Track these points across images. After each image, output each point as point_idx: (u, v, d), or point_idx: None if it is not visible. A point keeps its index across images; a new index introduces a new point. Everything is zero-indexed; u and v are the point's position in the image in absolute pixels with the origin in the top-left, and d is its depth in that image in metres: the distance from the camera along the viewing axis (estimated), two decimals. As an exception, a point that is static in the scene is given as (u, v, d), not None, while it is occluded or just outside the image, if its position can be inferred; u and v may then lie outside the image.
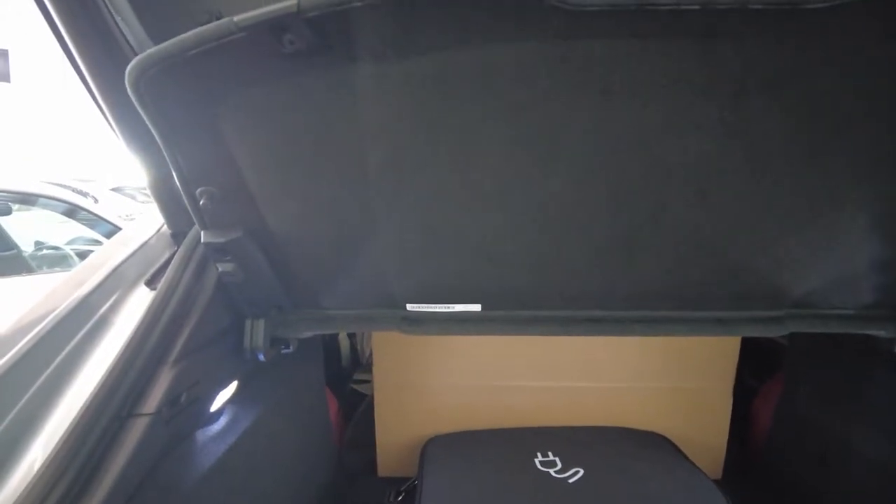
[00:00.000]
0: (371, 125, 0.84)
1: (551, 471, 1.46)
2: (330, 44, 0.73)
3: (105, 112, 1.01)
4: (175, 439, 0.96)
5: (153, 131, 0.82)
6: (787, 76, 0.77)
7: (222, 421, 1.12)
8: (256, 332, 1.13)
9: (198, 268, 1.05)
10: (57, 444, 0.77)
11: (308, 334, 1.19)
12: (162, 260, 1.12)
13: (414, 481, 1.59)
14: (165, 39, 0.74)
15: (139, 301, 1.04)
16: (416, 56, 0.75)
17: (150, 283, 1.08)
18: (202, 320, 1.02)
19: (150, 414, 0.87)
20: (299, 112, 0.82)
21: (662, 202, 0.93)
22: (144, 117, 0.80)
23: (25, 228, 3.72)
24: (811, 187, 0.91)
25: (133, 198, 6.05)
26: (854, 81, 0.77)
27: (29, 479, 0.75)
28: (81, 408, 0.81)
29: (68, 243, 3.81)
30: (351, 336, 2.35)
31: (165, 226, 1.19)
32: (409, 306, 1.12)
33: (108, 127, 1.04)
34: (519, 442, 1.60)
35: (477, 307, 1.12)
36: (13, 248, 3.29)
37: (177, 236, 1.14)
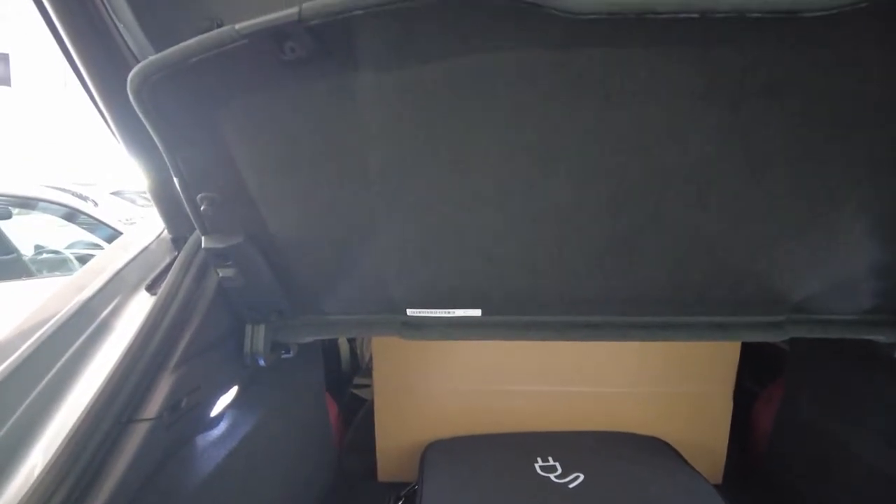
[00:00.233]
0: (371, 131, 0.84)
1: (551, 476, 1.45)
2: (331, 51, 0.73)
3: (106, 117, 1.01)
4: (175, 444, 0.96)
5: (154, 137, 0.82)
6: (786, 81, 0.77)
7: (223, 426, 1.12)
8: (257, 337, 1.13)
9: (198, 273, 1.05)
10: (58, 448, 0.77)
11: (308, 339, 1.19)
12: (162, 265, 1.12)
13: (414, 486, 1.59)
14: (167, 45, 0.74)
15: (140, 306, 1.04)
16: (416, 63, 0.75)
17: (151, 289, 1.09)
18: (203, 325, 1.02)
19: (150, 419, 0.87)
20: (300, 118, 0.83)
21: (662, 207, 0.94)
22: (146, 123, 0.80)
23: (25, 232, 3.72)
24: (810, 192, 0.91)
25: (133, 202, 6.06)
26: (852, 86, 0.77)
27: (29, 484, 0.74)
28: (82, 413, 0.81)
29: (68, 247, 3.81)
30: (350, 341, 2.35)
31: (166, 231, 1.19)
32: (409, 311, 1.12)
33: (109, 132, 1.05)
34: (519, 447, 1.59)
35: (477, 312, 1.12)
36: (13, 252, 3.28)
37: (177, 241, 1.14)
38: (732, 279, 1.06)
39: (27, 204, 3.60)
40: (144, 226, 1.28)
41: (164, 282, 1.03)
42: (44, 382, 0.89)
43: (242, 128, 0.84)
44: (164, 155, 0.86)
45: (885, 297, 1.08)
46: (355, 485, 1.80)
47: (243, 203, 0.93)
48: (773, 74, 0.76)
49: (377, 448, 1.80)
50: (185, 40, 0.73)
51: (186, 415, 0.97)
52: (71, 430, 0.79)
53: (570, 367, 1.71)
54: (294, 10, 0.68)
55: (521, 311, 1.14)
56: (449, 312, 1.12)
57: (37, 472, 0.76)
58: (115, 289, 1.07)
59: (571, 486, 1.42)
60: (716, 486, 1.44)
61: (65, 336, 0.96)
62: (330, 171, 0.90)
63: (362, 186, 0.91)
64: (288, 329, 1.17)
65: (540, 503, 1.37)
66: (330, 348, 2.14)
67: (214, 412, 1.09)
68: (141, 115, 0.78)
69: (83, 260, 3.34)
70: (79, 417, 0.81)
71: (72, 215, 3.64)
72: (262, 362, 1.14)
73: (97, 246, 3.66)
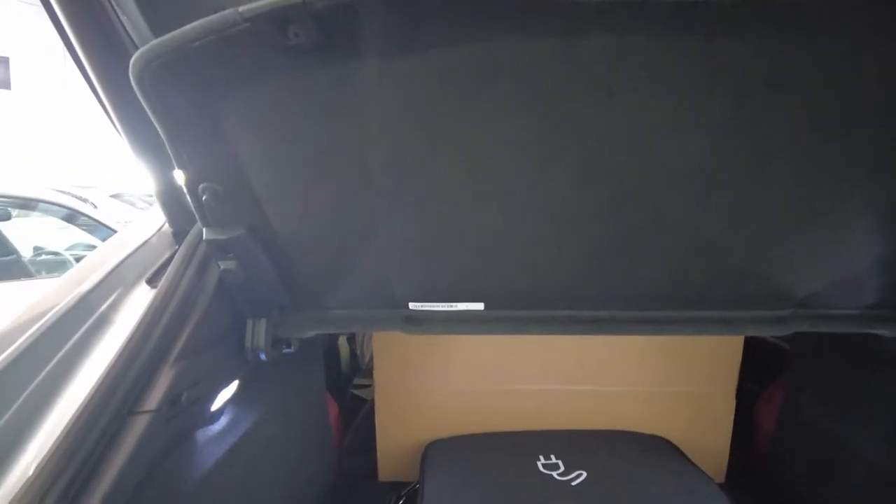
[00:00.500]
0: (373, 124, 0.83)
1: (554, 473, 1.44)
2: (334, 38, 0.73)
3: (108, 109, 1.00)
4: (176, 438, 0.95)
5: (156, 125, 0.82)
6: (789, 74, 0.76)
7: (223, 421, 1.11)
8: (258, 332, 1.12)
9: (199, 267, 1.05)
10: (57, 439, 0.76)
11: (310, 334, 1.18)
12: (163, 259, 1.11)
13: (415, 485, 1.58)
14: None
15: (140, 299, 1.03)
16: (420, 52, 0.75)
17: (151, 282, 1.08)
18: (203, 319, 1.01)
19: (150, 411, 0.86)
20: (302, 108, 0.82)
21: (663, 204, 0.93)
22: (148, 110, 0.79)
23: (25, 234, 3.71)
24: (814, 186, 0.90)
25: (133, 204, 6.05)
26: (857, 79, 0.77)
27: (29, 474, 0.73)
28: (82, 404, 0.81)
29: (68, 249, 3.80)
30: (351, 341, 2.34)
31: (167, 224, 1.18)
32: (411, 305, 1.12)
33: (111, 124, 1.04)
34: (521, 445, 1.58)
35: (479, 306, 1.11)
36: (13, 254, 3.28)
37: (178, 235, 1.13)
38: (735, 275, 1.06)
39: (27, 205, 3.60)
40: (145, 220, 1.27)
41: (165, 275, 1.02)
42: (43, 374, 0.88)
43: (245, 117, 0.83)
44: (166, 144, 0.85)
45: (889, 291, 1.07)
46: (356, 484, 1.78)
47: (245, 194, 0.92)
48: (775, 66, 0.76)
49: (378, 447, 1.79)
50: None
51: (187, 409, 0.96)
52: (71, 420, 0.78)
53: (571, 366, 1.71)
54: None
55: (523, 305, 1.13)
56: (451, 306, 1.11)
57: (35, 463, 0.75)
58: (115, 282, 1.06)
59: (574, 483, 1.41)
60: (718, 485, 1.44)
61: (64, 328, 0.95)
62: (332, 162, 0.89)
63: (364, 178, 0.91)
64: (289, 324, 1.16)
65: (543, 501, 1.36)
66: (330, 349, 2.13)
67: (215, 407, 1.08)
68: (143, 102, 0.78)
69: (82, 262, 3.32)
70: (79, 408, 0.80)
71: (72, 217, 3.64)
72: (263, 357, 1.13)
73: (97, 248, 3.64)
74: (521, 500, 1.37)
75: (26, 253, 3.51)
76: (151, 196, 1.16)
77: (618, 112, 0.81)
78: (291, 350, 1.19)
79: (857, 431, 1.37)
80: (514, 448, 1.58)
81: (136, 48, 0.91)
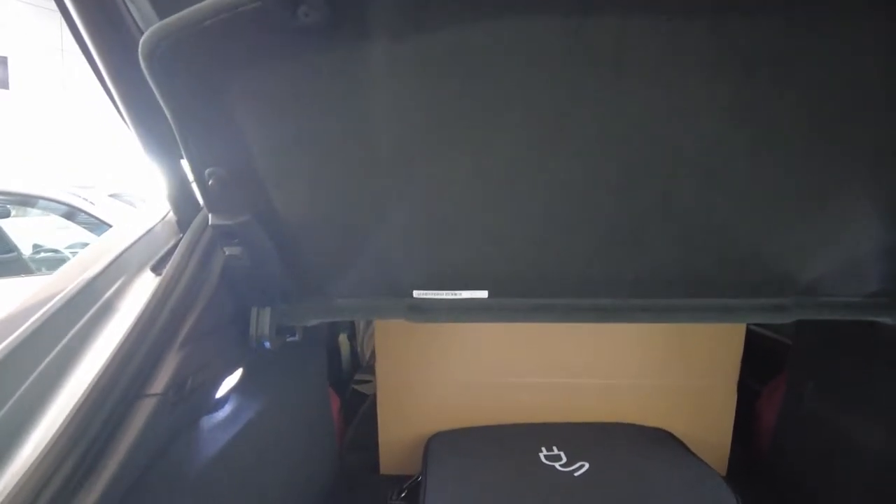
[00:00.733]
0: (383, 105, 0.83)
1: (556, 464, 1.45)
2: (344, 18, 0.73)
3: (115, 98, 1.00)
4: (181, 423, 0.95)
5: (164, 107, 0.82)
6: (796, 58, 0.76)
7: (227, 409, 1.11)
8: (262, 320, 1.12)
9: (204, 254, 1.05)
10: (65, 421, 0.76)
11: (314, 322, 1.18)
12: (167, 247, 1.11)
13: (417, 478, 1.58)
14: None
15: (144, 287, 1.04)
16: (429, 32, 0.75)
17: (156, 270, 1.08)
18: (208, 307, 1.02)
19: (157, 395, 0.87)
20: (311, 91, 0.82)
21: (671, 186, 0.93)
22: (155, 91, 0.79)
23: (24, 231, 3.71)
24: (819, 172, 0.90)
25: (131, 204, 6.04)
26: (864, 65, 0.76)
27: (35, 457, 0.73)
28: (89, 387, 0.81)
29: (68, 247, 3.80)
30: (351, 338, 2.34)
31: (171, 213, 1.18)
32: (415, 293, 1.12)
33: (118, 113, 1.04)
34: (523, 437, 1.59)
35: (483, 294, 1.11)
36: (13, 251, 3.27)
37: (182, 223, 1.13)
38: (740, 261, 1.06)
39: (26, 202, 3.59)
40: (148, 210, 1.27)
41: (170, 262, 1.03)
42: (48, 359, 0.88)
43: (253, 99, 0.84)
44: (173, 127, 0.85)
45: (891, 279, 1.07)
46: (358, 478, 1.78)
47: (252, 179, 0.93)
48: (782, 51, 0.76)
49: (379, 441, 1.79)
50: None
51: (192, 394, 0.96)
52: (78, 403, 0.78)
53: (573, 359, 1.71)
54: None
55: (527, 293, 1.13)
56: (455, 294, 1.12)
57: (41, 446, 0.75)
58: (120, 269, 1.06)
59: (577, 474, 1.41)
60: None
61: (69, 314, 0.95)
62: (339, 147, 0.89)
63: (371, 164, 0.91)
64: (293, 312, 1.16)
65: (545, 491, 1.36)
66: (330, 344, 2.14)
67: (219, 395, 1.09)
68: (151, 83, 0.78)
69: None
70: (86, 391, 0.80)
71: (71, 214, 3.63)
72: (267, 345, 1.13)
73: (97, 246, 3.63)
74: (524, 492, 1.37)
75: (26, 250, 3.51)
76: (150, 196, 1.17)
77: (625, 95, 0.81)
78: (296, 338, 1.20)
79: (859, 423, 1.37)
80: (515, 440, 1.58)
81: (141, 32, 0.91)
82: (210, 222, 0.98)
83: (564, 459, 1.46)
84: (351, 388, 2.23)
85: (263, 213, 0.98)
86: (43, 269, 3.33)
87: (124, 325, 0.91)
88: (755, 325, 1.90)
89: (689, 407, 1.71)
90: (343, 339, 2.29)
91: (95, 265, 1.06)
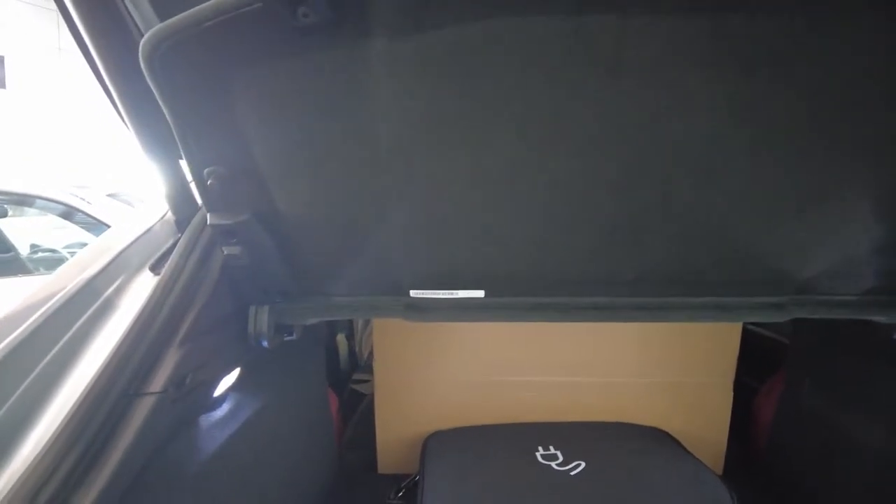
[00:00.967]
0: (382, 106, 0.84)
1: (553, 464, 1.45)
2: (344, 18, 0.73)
3: (114, 98, 1.01)
4: (180, 421, 0.96)
5: (163, 107, 0.82)
6: (797, 55, 0.77)
7: (225, 407, 1.11)
8: (261, 319, 1.13)
9: (202, 253, 1.05)
10: (65, 419, 0.77)
11: (313, 321, 1.18)
12: (166, 246, 1.12)
13: (415, 477, 1.58)
14: None
15: (144, 286, 1.04)
16: (429, 32, 0.75)
17: (155, 269, 1.08)
18: (207, 305, 1.02)
19: (157, 392, 0.87)
20: (311, 91, 0.83)
21: (669, 185, 0.94)
22: (155, 92, 0.80)
23: (21, 231, 3.70)
24: (818, 171, 0.91)
25: (129, 204, 6.02)
26: (862, 63, 0.77)
27: (36, 454, 0.74)
28: (88, 384, 0.81)
29: (66, 247, 3.79)
30: (349, 337, 2.35)
31: (169, 213, 1.19)
32: (412, 293, 1.12)
33: (116, 113, 1.05)
34: (520, 436, 1.59)
35: (480, 293, 1.12)
36: (10, 251, 3.27)
37: (181, 223, 1.14)
38: (737, 260, 1.07)
39: (23, 201, 3.59)
40: (146, 210, 1.28)
41: (168, 262, 1.03)
42: (49, 357, 0.89)
43: (253, 99, 0.84)
44: (172, 127, 0.86)
45: (886, 277, 1.08)
46: (356, 477, 1.79)
47: (251, 178, 0.93)
48: (783, 47, 0.76)
49: (377, 440, 1.80)
50: None
51: (191, 392, 0.96)
52: (78, 400, 0.79)
53: (569, 358, 1.72)
54: None
55: (525, 292, 1.14)
56: (452, 294, 1.12)
57: (42, 444, 0.76)
58: (119, 268, 1.07)
59: (573, 473, 1.41)
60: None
61: (69, 312, 0.96)
62: (338, 146, 0.90)
63: (370, 163, 0.91)
64: (292, 311, 1.17)
65: (541, 490, 1.37)
66: (329, 344, 2.14)
67: (218, 394, 1.09)
68: (151, 84, 0.78)
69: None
70: (85, 388, 0.81)
71: (69, 214, 3.63)
72: (265, 344, 1.13)
73: (95, 245, 3.62)
74: (520, 490, 1.37)
75: (23, 250, 3.51)
76: (148, 195, 1.17)
77: (624, 94, 0.81)
78: (293, 337, 1.20)
79: (857, 422, 1.38)
80: (512, 439, 1.58)
81: (140, 33, 0.92)
82: (209, 221, 0.98)
83: (561, 458, 1.47)
84: (349, 388, 2.23)
85: (262, 212, 0.98)
86: (40, 269, 3.33)
87: (123, 323, 0.92)
88: (753, 324, 1.91)
89: (685, 405, 1.72)
90: (341, 338, 2.30)
91: (94, 265, 1.06)
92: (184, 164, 1.02)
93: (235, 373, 1.16)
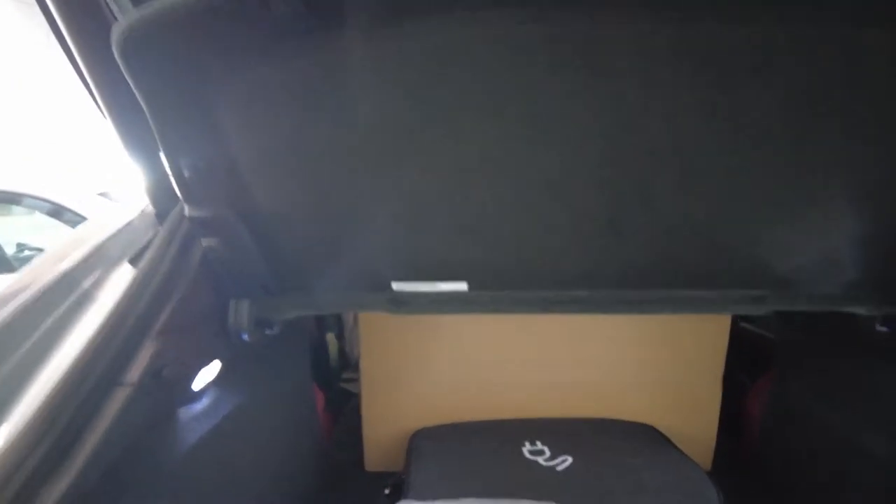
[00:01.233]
0: (359, 100, 0.83)
1: (539, 459, 1.45)
2: (317, 11, 0.72)
3: (92, 89, 1.00)
4: (157, 414, 0.94)
5: (139, 99, 0.81)
6: (774, 60, 0.77)
7: (205, 401, 1.10)
8: (241, 312, 1.12)
9: (182, 246, 1.04)
10: (35, 411, 0.76)
11: (295, 315, 1.18)
12: (146, 239, 1.10)
13: (401, 475, 1.57)
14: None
15: (122, 278, 1.03)
16: (405, 29, 0.75)
17: (134, 262, 1.07)
18: (186, 298, 1.01)
19: (131, 384, 0.86)
20: (287, 84, 0.82)
21: (649, 182, 0.94)
22: (130, 83, 0.78)
23: (7, 229, 3.67)
24: (795, 167, 0.91)
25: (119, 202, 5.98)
26: (842, 65, 0.77)
27: (7, 443, 0.73)
28: (62, 376, 0.80)
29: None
30: (339, 337, 2.34)
31: (150, 206, 1.17)
32: (394, 285, 1.11)
33: (95, 105, 1.04)
34: (506, 432, 1.59)
35: (463, 286, 1.11)
36: (-4, 249, 3.24)
37: (161, 217, 1.13)
38: (717, 253, 1.07)
39: (10, 200, 3.55)
40: (128, 201, 1.26)
41: (146, 254, 1.02)
42: (23, 349, 0.88)
43: (228, 92, 0.83)
44: (149, 119, 0.84)
45: (865, 270, 1.09)
46: (344, 474, 1.78)
47: (228, 172, 0.92)
48: (760, 48, 0.76)
49: (364, 438, 1.79)
50: None
51: (168, 384, 0.95)
52: (51, 391, 0.78)
53: (557, 355, 1.71)
54: None
55: (507, 285, 1.13)
56: (435, 286, 1.11)
57: (16, 432, 0.75)
58: (98, 261, 1.05)
59: (559, 468, 1.41)
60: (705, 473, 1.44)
61: (45, 304, 0.95)
62: (316, 140, 0.89)
63: (348, 157, 0.90)
64: (273, 305, 1.16)
65: (527, 485, 1.36)
66: (318, 343, 2.13)
67: (197, 386, 1.08)
68: (126, 75, 0.77)
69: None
70: (59, 380, 0.79)
71: (57, 212, 3.59)
72: (245, 337, 1.12)
73: (83, 244, 3.59)
74: (506, 486, 1.36)
75: (9, 249, 3.47)
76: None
77: (603, 92, 0.81)
78: (274, 332, 1.19)
79: (845, 418, 1.38)
80: (499, 435, 1.58)
81: (116, 21, 0.90)
82: (186, 214, 0.97)
83: (548, 454, 1.46)
84: (339, 387, 2.22)
85: (241, 205, 0.97)
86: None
87: (101, 316, 0.91)
88: (745, 321, 1.91)
89: (674, 402, 1.72)
90: (331, 337, 2.28)
91: (72, 256, 1.05)
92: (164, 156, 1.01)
93: (216, 367, 1.15)
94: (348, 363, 2.35)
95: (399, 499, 1.34)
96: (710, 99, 0.82)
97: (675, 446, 1.58)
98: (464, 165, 0.92)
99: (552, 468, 1.41)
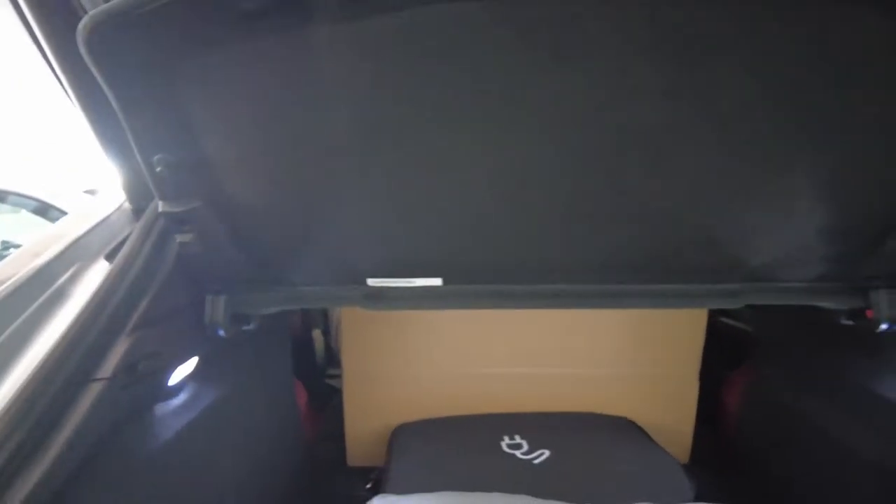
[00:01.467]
0: (327, 92, 0.83)
1: (517, 452, 1.46)
2: (285, 3, 0.73)
3: (63, 83, 1.00)
4: (132, 408, 0.95)
5: (108, 94, 0.81)
6: (737, 42, 0.77)
7: (182, 397, 1.11)
8: (217, 308, 1.12)
9: (158, 241, 1.04)
10: (5, 405, 0.76)
11: (273, 310, 1.18)
12: (123, 235, 1.11)
13: (382, 470, 1.59)
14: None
15: (98, 274, 1.03)
16: (371, 17, 0.75)
17: (110, 257, 1.07)
18: (161, 293, 1.01)
19: (105, 379, 0.86)
20: (257, 76, 0.82)
21: (619, 172, 0.94)
22: (99, 78, 0.79)
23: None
24: (764, 158, 0.91)
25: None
26: (809, 47, 0.77)
27: None
28: (33, 371, 0.80)
29: (39, 244, 3.72)
30: (325, 333, 2.34)
31: (126, 202, 1.18)
32: (369, 281, 1.12)
33: (67, 99, 1.04)
34: (486, 426, 1.60)
35: (437, 281, 1.12)
36: (-18, 247, 3.21)
37: (137, 212, 1.13)
38: (691, 247, 1.08)
39: (-2, 197, 3.52)
40: (105, 197, 1.26)
41: (122, 250, 1.02)
42: None
43: (198, 85, 0.83)
44: (118, 114, 0.84)
45: (834, 265, 1.10)
46: (326, 470, 1.79)
47: (200, 166, 0.92)
48: (722, 34, 0.76)
49: (346, 433, 1.80)
50: None
51: (143, 379, 0.96)
52: (21, 386, 0.78)
53: (537, 349, 1.73)
54: None
55: (482, 280, 1.14)
56: (410, 282, 1.12)
57: None
58: (73, 256, 1.05)
59: (536, 461, 1.43)
60: (683, 465, 1.46)
61: (19, 300, 0.94)
62: (287, 132, 0.89)
63: (320, 149, 0.91)
64: (250, 300, 1.16)
65: (505, 478, 1.38)
66: (304, 339, 2.13)
67: (174, 381, 1.08)
68: (93, 69, 0.77)
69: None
70: (30, 375, 0.80)
71: (43, 210, 3.56)
72: (221, 333, 1.13)
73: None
74: (484, 479, 1.38)
75: (-7, 247, 3.44)
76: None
77: (566, 77, 0.81)
78: (251, 328, 1.19)
79: (820, 409, 1.40)
80: (478, 429, 1.59)
81: (86, 13, 0.90)
82: (159, 209, 0.97)
83: (525, 448, 1.48)
84: (324, 383, 2.23)
85: (214, 200, 0.97)
86: (12, 265, 3.26)
87: (75, 310, 0.91)
88: (723, 315, 1.93)
89: (652, 395, 1.74)
90: (317, 333, 2.29)
91: (48, 251, 1.05)
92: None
93: (194, 362, 1.16)
94: (334, 359, 2.36)
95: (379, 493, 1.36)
96: (675, 88, 0.81)
97: (651, 439, 1.60)
98: (436, 159, 0.93)
99: (529, 461, 1.43)
